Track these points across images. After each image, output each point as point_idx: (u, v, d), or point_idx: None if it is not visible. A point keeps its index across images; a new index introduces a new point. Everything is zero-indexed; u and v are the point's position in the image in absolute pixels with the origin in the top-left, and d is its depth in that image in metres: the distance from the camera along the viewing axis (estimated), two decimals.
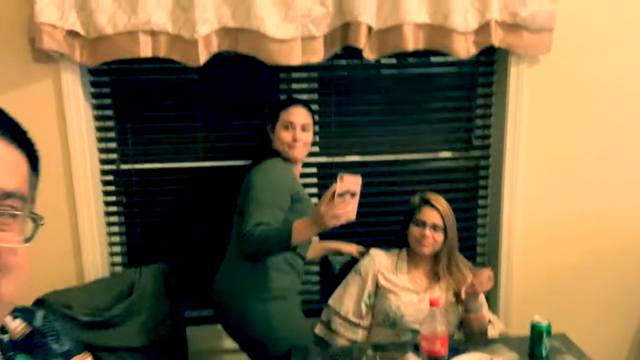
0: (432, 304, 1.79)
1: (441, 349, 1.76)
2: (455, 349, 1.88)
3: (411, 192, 2.55)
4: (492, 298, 2.69)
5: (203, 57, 2.17)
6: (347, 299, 2.20)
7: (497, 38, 2.25)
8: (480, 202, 2.70)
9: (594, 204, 2.59)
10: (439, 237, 2.15)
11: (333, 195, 1.72)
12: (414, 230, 2.17)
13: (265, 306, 2.07)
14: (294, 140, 2.14)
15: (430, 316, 1.78)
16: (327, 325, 2.24)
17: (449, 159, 2.63)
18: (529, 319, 1.94)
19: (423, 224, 2.14)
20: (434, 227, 2.14)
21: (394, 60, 2.53)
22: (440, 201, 2.17)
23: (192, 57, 2.16)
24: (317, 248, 2.45)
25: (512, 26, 2.26)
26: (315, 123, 2.27)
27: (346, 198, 1.66)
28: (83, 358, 0.85)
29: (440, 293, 2.14)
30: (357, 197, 1.68)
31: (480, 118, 2.61)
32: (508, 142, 2.47)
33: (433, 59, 2.53)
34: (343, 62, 2.49)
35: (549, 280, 2.64)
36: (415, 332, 2.08)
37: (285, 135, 2.15)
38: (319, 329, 2.26)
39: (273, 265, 2.08)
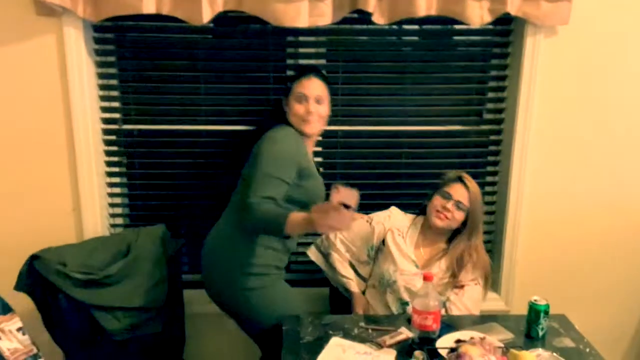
0: (426, 278, 1.75)
1: (432, 323, 1.73)
2: (448, 326, 1.84)
3: (418, 165, 2.51)
4: (494, 276, 2.64)
5: (207, 16, 2.11)
6: (349, 241, 2.22)
7: (513, 6, 2.16)
8: (489, 178, 2.62)
9: (605, 186, 2.51)
10: (459, 215, 2.11)
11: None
12: (437, 200, 2.13)
13: (248, 280, 2.04)
14: (307, 113, 2.06)
15: (424, 291, 1.74)
16: (324, 255, 2.26)
17: (459, 132, 2.55)
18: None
19: (448, 196, 2.11)
20: (458, 204, 2.10)
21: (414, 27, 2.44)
22: (473, 184, 2.13)
23: (196, 15, 2.11)
24: None
25: None
26: (333, 94, 2.18)
27: (341, 209, 1.62)
28: (10, 318, 0.82)
29: (438, 271, 2.10)
30: (353, 209, 1.63)
31: (494, 91, 2.52)
32: (520, 118, 2.39)
33: (444, 26, 2.43)
34: (352, 26, 2.40)
35: (554, 261, 2.58)
36: (404, 303, 2.08)
37: (299, 108, 2.06)
38: (312, 253, 2.29)
39: (265, 242, 2.04)
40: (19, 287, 1.99)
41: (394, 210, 2.28)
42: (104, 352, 2.14)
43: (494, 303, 2.59)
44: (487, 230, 2.67)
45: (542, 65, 2.32)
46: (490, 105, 2.54)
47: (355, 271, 2.24)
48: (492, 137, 2.56)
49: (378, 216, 2.25)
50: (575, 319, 2.01)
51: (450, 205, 2.09)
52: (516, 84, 2.38)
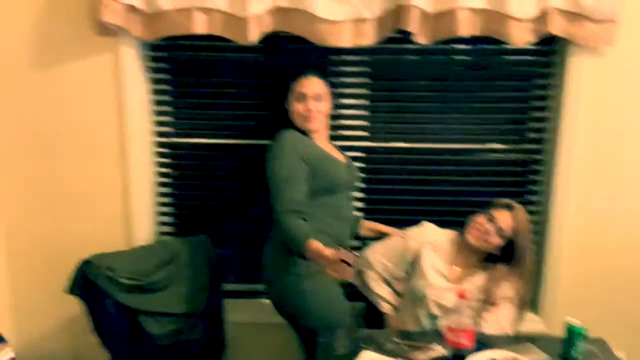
0: (461, 296, 1.75)
1: (466, 341, 1.73)
2: (482, 344, 1.84)
3: (457, 183, 2.52)
4: (536, 299, 2.60)
5: (254, 36, 2.20)
6: (385, 258, 2.23)
7: (556, 27, 2.16)
8: (530, 197, 2.60)
9: None
10: (496, 240, 2.11)
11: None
12: (480, 218, 2.14)
13: (300, 282, 2.10)
14: (307, 110, 2.12)
15: (457, 308, 1.75)
16: (359, 274, 2.28)
17: (499, 150, 2.54)
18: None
19: (492, 219, 2.12)
20: (499, 230, 2.10)
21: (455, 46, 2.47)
22: (522, 215, 2.13)
23: (243, 35, 2.20)
24: (369, 226, 2.47)
25: (574, 15, 2.16)
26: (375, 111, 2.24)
27: (342, 265, 1.75)
28: (2, 348, 0.85)
29: (471, 288, 2.09)
30: (353, 267, 1.76)
31: (536, 110, 2.51)
32: (563, 137, 2.36)
33: (489, 46, 2.44)
34: (394, 46, 2.44)
35: (597, 284, 2.52)
36: (434, 317, 2.09)
37: (299, 107, 2.14)
38: None
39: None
40: (71, 290, 2.10)
41: (426, 224, 2.30)
42: (147, 356, 2.23)
43: (534, 325, 2.55)
44: None
45: (585, 86, 2.30)
46: (533, 125, 2.53)
47: (390, 286, 2.25)
48: (535, 157, 2.54)
49: (412, 232, 2.27)
50: (617, 345, 1.96)
51: (490, 226, 2.10)
52: (559, 104, 2.37)
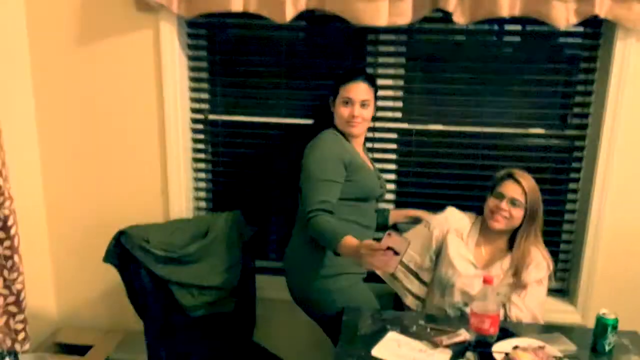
0: (486, 281, 1.73)
1: (490, 327, 1.71)
2: (507, 331, 1.81)
3: (495, 168, 2.46)
4: (571, 291, 2.55)
5: (290, 14, 2.20)
6: (411, 249, 2.17)
7: (602, 8, 2.06)
8: (571, 185, 2.52)
9: None
10: (517, 212, 2.05)
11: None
12: (490, 202, 2.09)
13: (327, 283, 2.11)
14: (352, 117, 2.11)
15: (483, 294, 1.73)
16: None
17: (540, 135, 2.48)
18: None
19: (501, 196, 2.06)
20: (513, 202, 2.04)
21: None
22: (525, 177, 2.07)
23: (280, 13, 2.20)
24: (397, 214, 2.45)
25: None
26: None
27: (388, 253, 1.66)
28: None
29: (499, 273, 2.06)
30: (400, 257, 1.67)
31: (580, 95, 2.42)
32: (606, 124, 2.28)
33: (532, 27, 2.37)
34: (433, 25, 2.40)
35: (636, 275, 2.43)
36: (464, 304, 2.07)
37: (344, 112, 2.12)
38: None
39: None
40: (107, 259, 2.18)
41: (450, 210, 2.24)
42: (179, 326, 2.29)
43: (570, 316, 2.49)
44: (566, 239, 2.57)
45: (632, 71, 2.20)
46: (575, 110, 2.44)
47: (418, 278, 2.22)
48: (577, 143, 2.46)
49: (436, 219, 2.22)
50: None
51: (504, 204, 2.05)
52: (604, 89, 2.27)
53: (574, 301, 2.52)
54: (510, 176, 2.08)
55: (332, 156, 2.06)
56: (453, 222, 2.20)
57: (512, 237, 2.12)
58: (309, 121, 2.51)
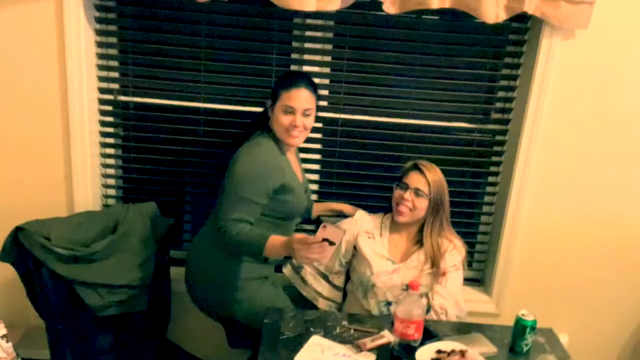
0: (412, 287, 1.70)
1: (414, 333, 1.69)
2: (431, 333, 1.81)
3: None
4: (487, 280, 2.61)
5: None
6: None
7: (531, 5, 2.06)
8: (490, 178, 2.56)
9: (610, 198, 2.44)
10: (420, 203, 2.07)
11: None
12: (396, 192, 2.11)
13: (232, 293, 2.04)
14: (293, 127, 1.96)
15: (408, 299, 1.70)
16: (296, 270, 2.24)
17: (464, 129, 2.47)
18: (522, 308, 1.85)
19: (405, 187, 2.07)
20: (417, 192, 2.06)
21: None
22: (430, 169, 2.10)
23: None
24: (320, 208, 2.39)
25: None
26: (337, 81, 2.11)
27: (324, 244, 1.66)
28: None
29: (417, 264, 2.08)
30: (336, 246, 1.68)
31: (503, 90, 2.43)
32: (527, 120, 2.30)
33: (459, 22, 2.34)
34: (362, 12, 2.31)
35: (549, 269, 2.53)
36: (387, 303, 2.07)
37: (284, 120, 1.96)
38: (287, 270, 2.26)
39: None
40: (2, 257, 1.97)
41: (358, 214, 2.25)
42: (85, 327, 2.13)
43: (484, 305, 2.56)
44: (483, 231, 2.62)
45: (555, 68, 2.23)
46: (498, 105, 2.46)
47: (328, 281, 2.22)
48: (498, 138, 2.48)
49: (345, 223, 2.21)
50: (565, 330, 1.96)
51: (407, 194, 2.06)
52: (527, 85, 2.29)
53: (489, 291, 2.59)
54: (416, 167, 2.10)
55: (262, 175, 1.92)
56: (362, 224, 2.19)
57: (422, 229, 2.14)
58: (231, 107, 2.38)
